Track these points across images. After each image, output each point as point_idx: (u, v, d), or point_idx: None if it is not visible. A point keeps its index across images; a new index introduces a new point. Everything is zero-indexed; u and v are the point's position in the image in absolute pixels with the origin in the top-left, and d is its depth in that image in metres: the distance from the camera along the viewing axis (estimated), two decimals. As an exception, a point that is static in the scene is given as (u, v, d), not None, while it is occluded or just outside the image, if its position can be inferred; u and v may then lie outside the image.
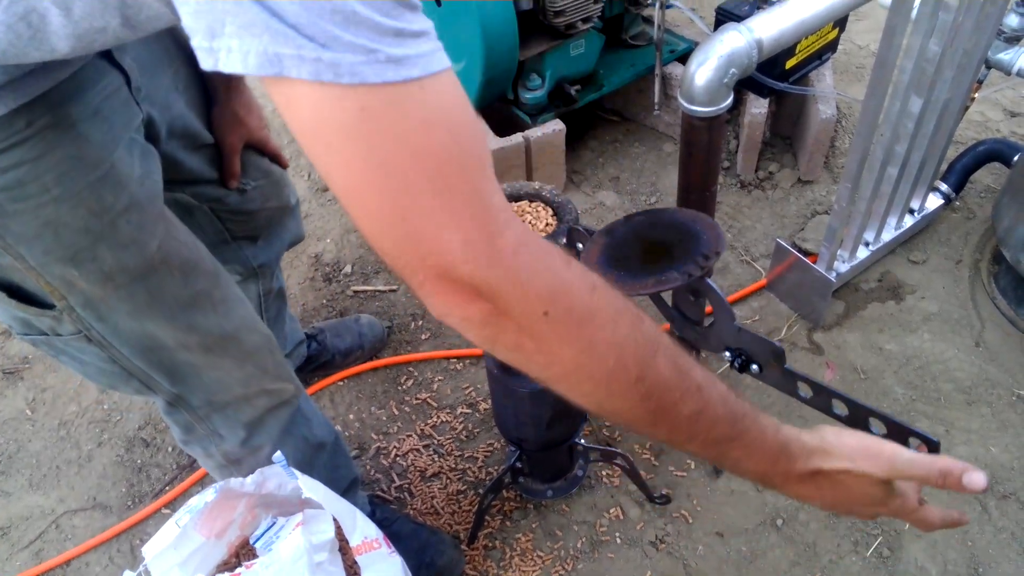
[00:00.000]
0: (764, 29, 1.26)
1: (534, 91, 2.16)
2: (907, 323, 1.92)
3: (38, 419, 1.87)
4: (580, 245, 1.18)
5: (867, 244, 2.00)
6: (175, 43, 1.14)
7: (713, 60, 1.25)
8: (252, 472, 1.22)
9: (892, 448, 0.79)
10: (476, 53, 1.96)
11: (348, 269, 2.16)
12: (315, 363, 1.86)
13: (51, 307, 0.95)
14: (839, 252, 1.94)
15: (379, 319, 1.98)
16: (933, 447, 0.87)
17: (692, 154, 1.35)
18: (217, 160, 1.27)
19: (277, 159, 1.41)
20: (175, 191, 1.23)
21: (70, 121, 0.88)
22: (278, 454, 1.21)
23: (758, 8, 2.09)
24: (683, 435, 0.73)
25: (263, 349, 1.18)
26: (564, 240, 1.20)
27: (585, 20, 2.05)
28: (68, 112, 0.88)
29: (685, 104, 1.29)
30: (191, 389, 1.11)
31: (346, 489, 1.46)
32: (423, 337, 1.99)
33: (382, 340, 1.95)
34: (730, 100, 1.29)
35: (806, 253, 2.05)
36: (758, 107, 2.18)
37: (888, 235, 2.02)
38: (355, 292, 2.11)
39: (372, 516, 1.52)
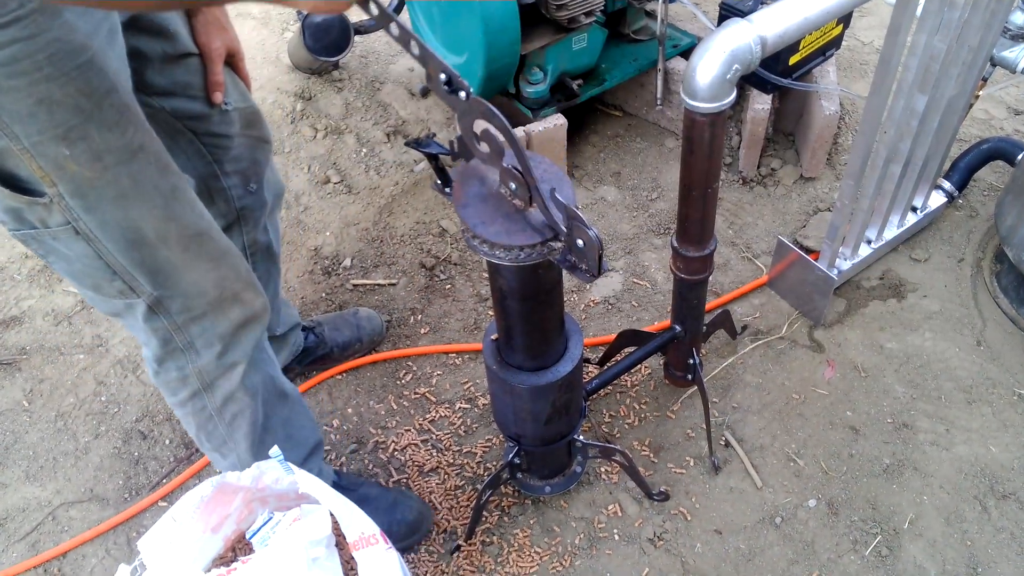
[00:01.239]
0: (768, 25, 1.25)
1: (536, 85, 2.15)
2: (908, 321, 1.92)
3: (35, 410, 1.87)
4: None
5: (869, 242, 1.99)
6: None
7: (716, 56, 1.24)
8: (223, 403, 1.28)
9: None
10: (477, 47, 1.95)
11: (347, 263, 2.15)
12: (313, 356, 1.85)
13: (42, 195, 1.00)
14: (841, 250, 1.94)
15: (378, 313, 1.97)
16: None
17: (694, 151, 1.34)
18: (198, 75, 1.27)
19: (245, 80, 1.40)
20: (154, 101, 1.24)
21: (55, 9, 0.93)
22: (275, 450, 1.21)
23: (761, 3, 2.07)
24: None
25: (233, 252, 1.22)
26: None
27: (588, 14, 2.03)
28: None
29: (687, 100, 1.28)
30: (171, 292, 1.15)
31: (310, 452, 1.49)
32: (422, 332, 1.98)
33: (380, 334, 1.94)
34: (733, 97, 1.28)
35: (808, 250, 2.04)
36: (761, 103, 2.17)
37: (890, 233, 2.01)
38: (354, 286, 2.10)
39: (338, 483, 1.55)
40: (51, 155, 0.97)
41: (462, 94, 1.06)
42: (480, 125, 1.06)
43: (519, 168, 1.03)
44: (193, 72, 1.26)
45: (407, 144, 1.19)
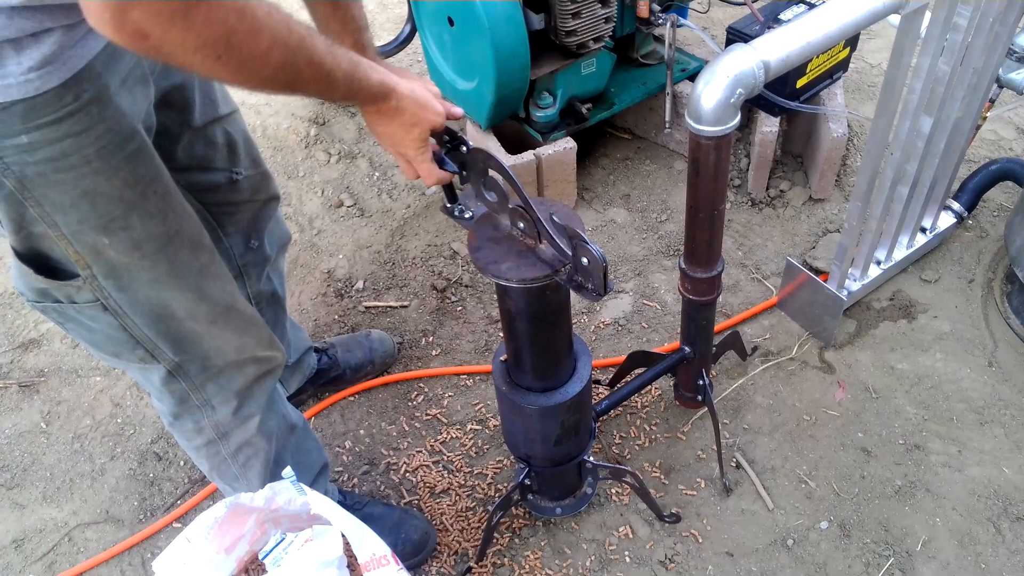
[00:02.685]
0: (770, 50, 1.27)
1: (545, 109, 2.17)
2: (919, 342, 1.92)
3: (53, 432, 1.90)
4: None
5: (878, 263, 1.99)
6: None
7: (719, 80, 1.26)
8: (238, 448, 1.31)
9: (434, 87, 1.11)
10: (488, 72, 1.98)
11: (360, 285, 2.18)
12: (325, 378, 1.87)
13: (74, 276, 1.01)
14: (850, 271, 1.94)
15: (390, 335, 1.99)
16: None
17: (699, 173, 1.36)
18: (214, 147, 1.30)
19: None
20: (173, 177, 1.26)
21: (108, 95, 0.94)
22: (288, 471, 1.23)
23: (768, 28, 2.10)
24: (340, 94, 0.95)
25: (257, 321, 1.26)
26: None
27: (596, 40, 2.06)
28: (106, 84, 0.94)
29: (692, 124, 1.30)
30: (191, 357, 1.18)
31: (318, 474, 1.52)
32: (434, 353, 2.00)
33: (392, 355, 1.96)
34: (737, 120, 1.29)
35: (817, 272, 2.05)
36: (769, 126, 2.19)
37: (899, 254, 2.02)
38: (367, 308, 2.12)
39: (343, 502, 1.57)
40: (89, 243, 0.97)
41: (463, 148, 1.13)
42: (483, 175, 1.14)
43: (523, 205, 1.06)
44: (208, 143, 1.29)
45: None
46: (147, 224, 1.00)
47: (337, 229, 2.33)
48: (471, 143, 1.15)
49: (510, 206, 1.13)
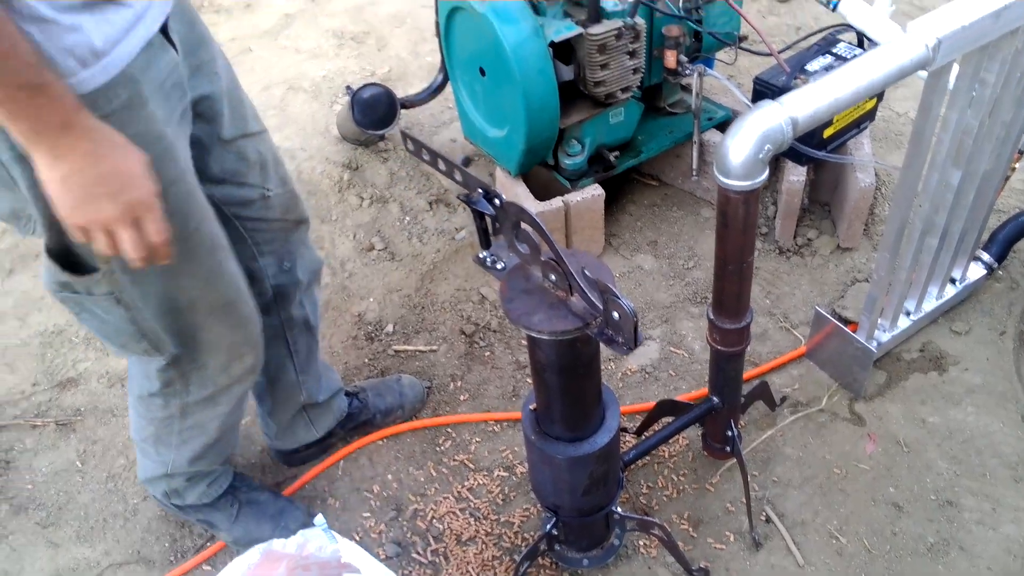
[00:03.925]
0: (799, 107, 1.29)
1: (574, 157, 2.21)
2: (950, 395, 1.90)
3: (88, 471, 1.93)
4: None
5: (908, 313, 1.98)
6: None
7: (748, 136, 1.28)
8: (189, 427, 1.43)
9: None
10: (519, 122, 2.02)
11: (390, 328, 2.21)
12: (356, 421, 1.89)
13: (94, 271, 1.07)
14: (879, 321, 1.93)
15: (419, 379, 2.01)
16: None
17: (728, 226, 1.37)
18: (246, 161, 1.35)
19: None
20: (206, 188, 1.31)
21: (142, 99, 1.00)
22: (319, 517, 1.24)
23: (795, 78, 2.13)
24: None
25: (253, 318, 1.34)
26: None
27: (624, 90, 2.10)
28: (141, 90, 1.00)
29: (721, 178, 1.32)
30: (188, 351, 1.27)
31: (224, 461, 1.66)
32: (462, 398, 2.01)
33: (422, 401, 1.98)
34: (765, 175, 1.31)
35: (846, 321, 2.04)
36: (796, 175, 2.20)
37: (929, 304, 2.01)
38: (396, 351, 2.15)
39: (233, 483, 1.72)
40: None
41: (497, 201, 1.17)
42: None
43: (555, 258, 1.08)
44: (240, 158, 1.34)
45: (458, 197, 1.30)
46: (168, 222, 1.04)
47: (368, 272, 2.37)
48: (504, 196, 1.18)
49: (542, 258, 1.15)
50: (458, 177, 1.22)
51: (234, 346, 1.33)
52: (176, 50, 1.11)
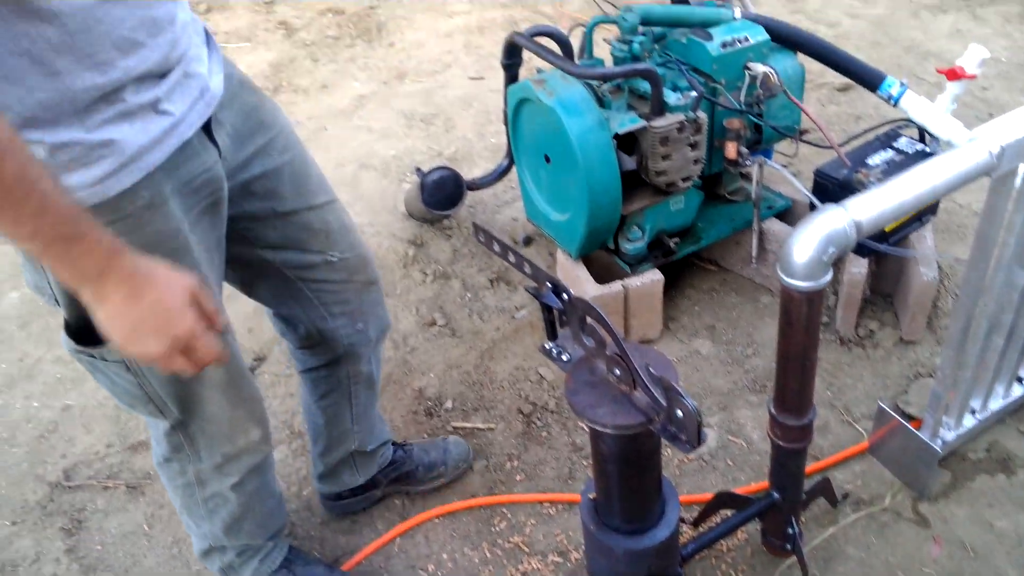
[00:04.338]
0: (862, 211, 1.31)
1: (635, 242, 2.26)
2: (1019, 499, 1.84)
3: (154, 535, 1.99)
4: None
5: (973, 412, 1.95)
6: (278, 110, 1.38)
7: (811, 238, 1.30)
8: (210, 496, 1.48)
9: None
10: (581, 208, 2.09)
11: (449, 404, 2.25)
12: (399, 471, 1.94)
13: (106, 343, 1.10)
14: (944, 419, 1.90)
15: (475, 454, 2.04)
16: None
17: (791, 323, 1.39)
18: (307, 231, 1.42)
19: None
20: (267, 254, 1.41)
21: (163, 198, 1.06)
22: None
23: (856, 171, 2.15)
24: (27, 229, 0.85)
25: (256, 396, 1.43)
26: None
27: (685, 179, 2.15)
28: (163, 190, 1.06)
29: (784, 278, 1.34)
30: (192, 418, 1.33)
31: (274, 534, 1.67)
32: (517, 479, 2.03)
33: (467, 461, 2.01)
34: (829, 276, 1.33)
35: (910, 418, 2.01)
36: (857, 267, 2.21)
37: (996, 403, 1.97)
38: (454, 428, 2.18)
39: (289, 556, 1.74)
40: None
41: (564, 295, 1.22)
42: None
43: (620, 354, 1.12)
44: (302, 228, 1.42)
45: (527, 289, 1.36)
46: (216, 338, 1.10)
47: (429, 348, 2.42)
48: (572, 291, 1.23)
49: (607, 353, 1.19)
50: (527, 270, 1.28)
51: (236, 420, 1.39)
52: (218, 147, 1.19)
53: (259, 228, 1.37)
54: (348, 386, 1.70)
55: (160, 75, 1.05)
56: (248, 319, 2.51)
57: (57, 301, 1.15)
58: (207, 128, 1.16)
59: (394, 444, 1.95)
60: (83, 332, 1.14)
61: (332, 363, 1.65)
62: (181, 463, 1.43)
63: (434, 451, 1.99)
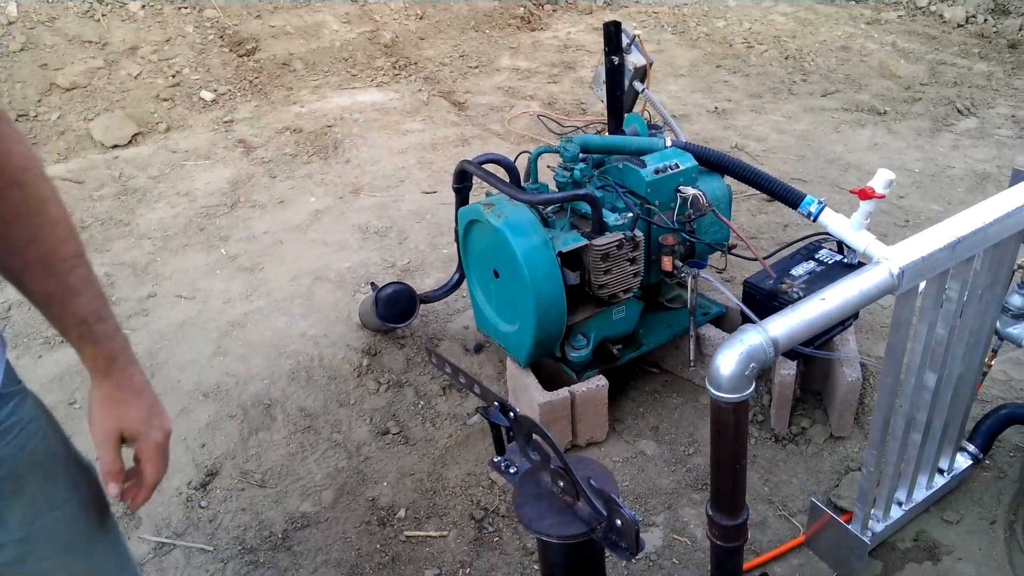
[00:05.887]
0: (779, 330, 1.46)
1: (580, 350, 2.38)
2: (946, 587, 1.95)
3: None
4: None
5: (899, 503, 2.07)
6: None
7: (735, 355, 1.44)
8: None
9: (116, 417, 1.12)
10: (529, 319, 2.21)
11: (402, 513, 2.29)
12: None
13: None
14: (872, 511, 2.02)
15: (429, 565, 2.07)
16: None
17: (721, 432, 1.51)
18: None
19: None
20: None
21: None
22: None
23: (781, 283, 2.34)
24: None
25: None
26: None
27: (626, 291, 2.31)
28: None
29: (712, 391, 1.47)
30: None
31: None
32: (472, 586, 2.07)
33: None
34: (752, 388, 1.46)
35: (842, 511, 2.13)
36: (787, 368, 2.36)
37: (919, 494, 2.10)
38: (407, 537, 2.22)
39: None
40: None
41: (511, 413, 1.33)
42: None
43: (563, 467, 1.22)
44: None
45: (477, 410, 1.45)
46: None
47: (383, 456, 2.48)
48: (518, 410, 1.34)
49: (552, 466, 1.29)
50: (477, 390, 1.38)
51: None
52: None
53: None
54: None
55: None
56: (201, 434, 2.54)
57: None
58: None
59: None
60: None
61: None
62: None
63: None
